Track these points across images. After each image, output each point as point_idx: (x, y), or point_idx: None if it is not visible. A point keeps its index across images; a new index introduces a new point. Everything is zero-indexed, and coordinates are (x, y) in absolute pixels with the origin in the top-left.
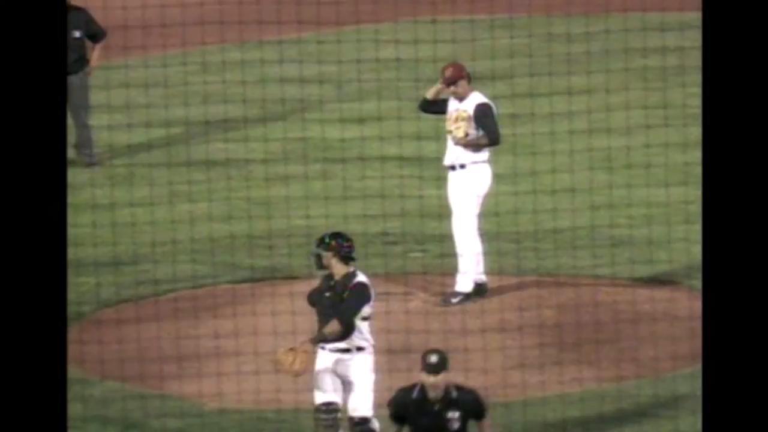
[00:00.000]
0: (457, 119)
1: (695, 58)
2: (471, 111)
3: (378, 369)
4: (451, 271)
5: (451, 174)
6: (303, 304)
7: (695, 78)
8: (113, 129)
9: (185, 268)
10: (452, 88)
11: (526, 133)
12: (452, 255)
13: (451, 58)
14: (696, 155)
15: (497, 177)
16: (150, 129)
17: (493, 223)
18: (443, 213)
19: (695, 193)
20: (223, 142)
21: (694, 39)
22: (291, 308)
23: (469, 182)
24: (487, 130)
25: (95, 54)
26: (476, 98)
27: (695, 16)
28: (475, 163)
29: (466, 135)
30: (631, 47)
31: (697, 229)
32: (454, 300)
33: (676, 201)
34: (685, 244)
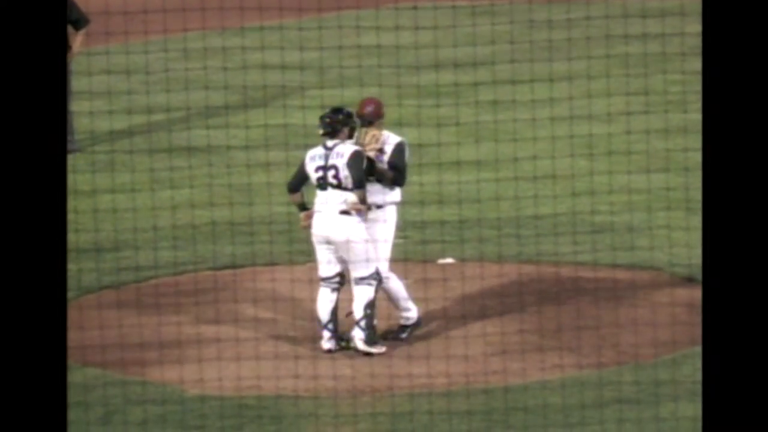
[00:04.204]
0: (373, 138)
1: (676, 45)
2: (391, 144)
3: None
4: (432, 258)
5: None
6: (284, 291)
7: (676, 65)
8: (95, 115)
9: (166, 254)
10: (367, 127)
11: (508, 120)
12: (433, 241)
13: (432, 45)
14: (677, 142)
15: (479, 163)
16: (131, 115)
17: (475, 210)
18: (425, 199)
19: (676, 179)
20: (205, 128)
21: (675, 26)
22: (272, 295)
23: (387, 223)
24: (396, 168)
25: (78, 40)
26: (392, 138)
27: (676, 3)
28: (394, 203)
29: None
30: (613, 34)
31: (678, 215)
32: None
33: (657, 187)
34: (666, 231)
